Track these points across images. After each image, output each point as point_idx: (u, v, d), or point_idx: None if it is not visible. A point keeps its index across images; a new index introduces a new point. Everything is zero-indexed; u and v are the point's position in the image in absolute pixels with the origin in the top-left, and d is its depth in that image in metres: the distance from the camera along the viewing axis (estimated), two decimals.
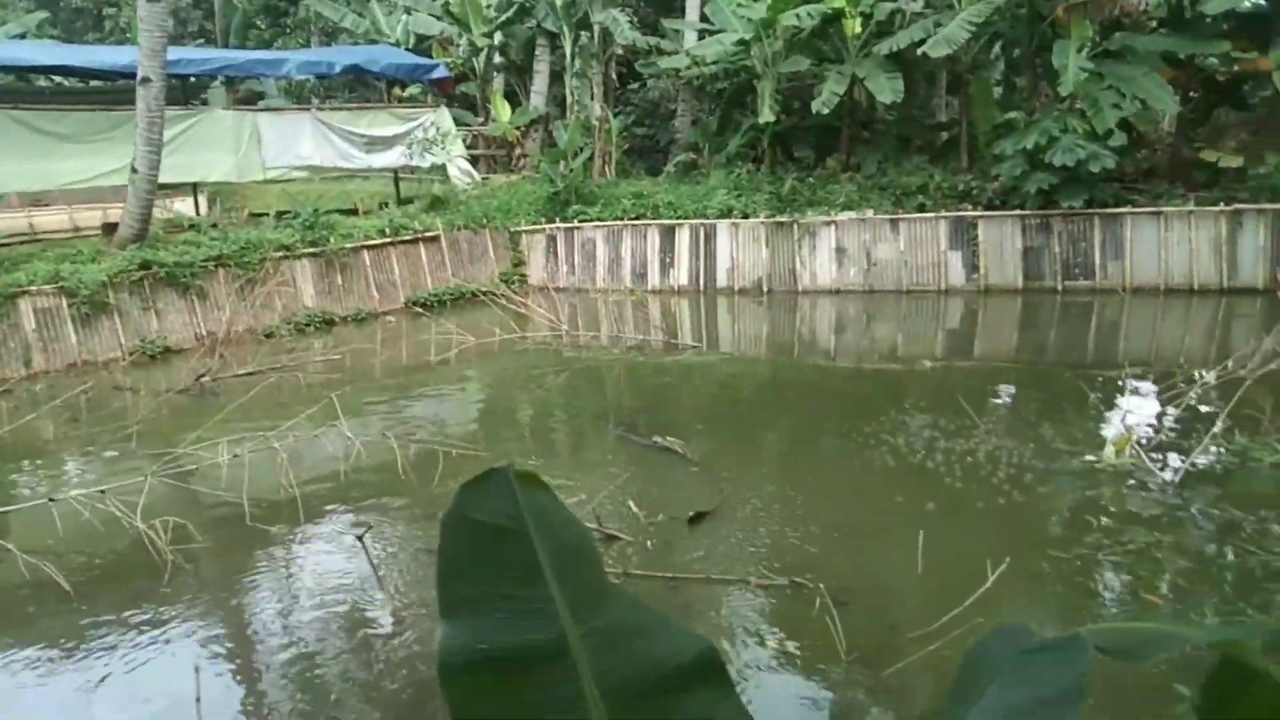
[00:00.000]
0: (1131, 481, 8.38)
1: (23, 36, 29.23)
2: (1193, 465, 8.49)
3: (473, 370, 13.94)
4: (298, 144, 19.90)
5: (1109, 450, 8.65)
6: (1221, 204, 16.47)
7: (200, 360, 14.15)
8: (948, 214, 17.84)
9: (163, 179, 18.05)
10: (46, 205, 20.19)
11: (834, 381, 13.32)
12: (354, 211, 20.73)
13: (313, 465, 9.49)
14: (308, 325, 17.26)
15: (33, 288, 14.65)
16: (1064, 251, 17.15)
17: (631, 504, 8.24)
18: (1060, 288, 17.19)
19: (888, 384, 13.00)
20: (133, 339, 15.46)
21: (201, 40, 35.39)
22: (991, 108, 19.65)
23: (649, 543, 7.54)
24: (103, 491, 8.02)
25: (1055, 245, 17.18)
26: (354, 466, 9.17)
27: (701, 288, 19.49)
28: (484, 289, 19.11)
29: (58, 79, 22.64)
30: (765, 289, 18.98)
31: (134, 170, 15.71)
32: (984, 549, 7.05)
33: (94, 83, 21.94)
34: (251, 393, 11.86)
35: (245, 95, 28.75)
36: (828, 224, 18.57)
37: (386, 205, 22.02)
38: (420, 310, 18.34)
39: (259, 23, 34.79)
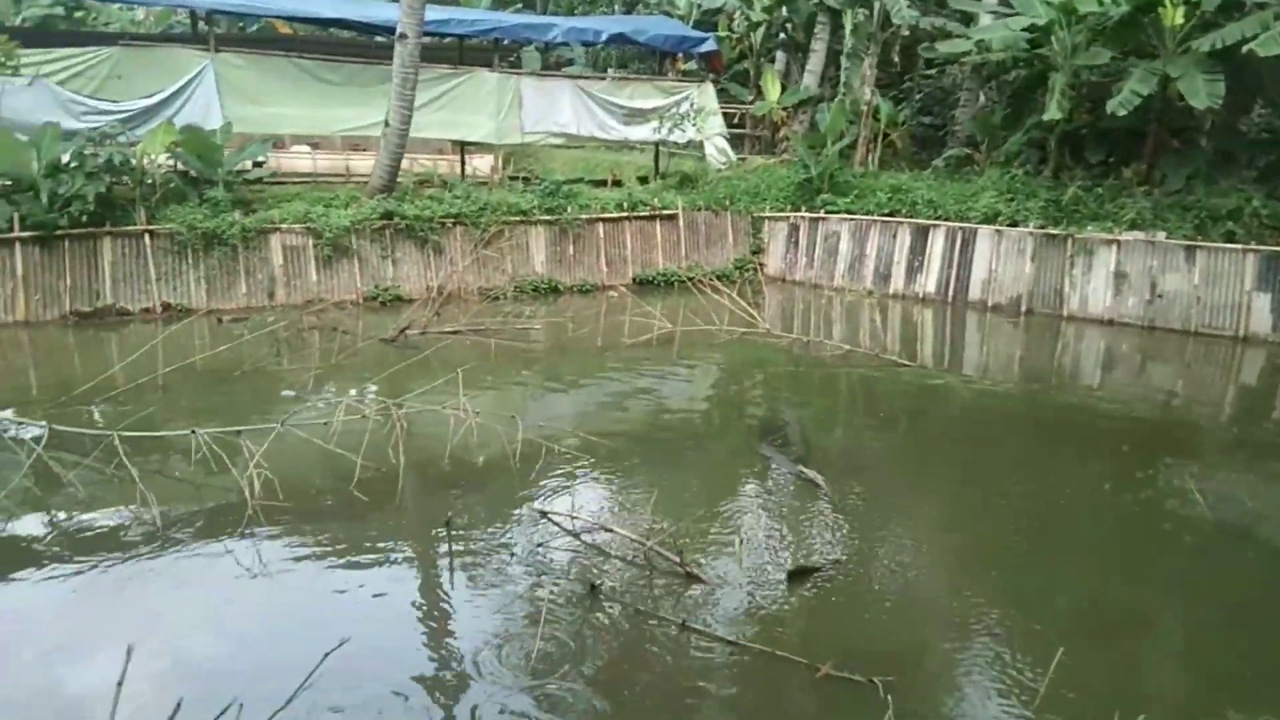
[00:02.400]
0: None
1: None
2: None
3: (652, 360, 13.17)
4: (556, 111, 20.06)
5: None
6: None
7: (418, 312, 14.49)
8: (1261, 248, 14.78)
9: (426, 135, 18.93)
10: (323, 149, 21.86)
11: (1074, 430, 11.22)
12: (613, 183, 20.71)
13: (427, 435, 9.22)
14: (534, 291, 17.40)
15: (284, 225, 15.73)
16: None
17: (737, 541, 7.25)
18: None
19: (1146, 441, 10.75)
20: (368, 284, 16.26)
21: (519, 5, 37.01)
22: None
23: (733, 591, 6.54)
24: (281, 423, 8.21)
25: None
26: (462, 445, 8.76)
27: (950, 298, 17.60)
28: (715, 273, 18.42)
29: (340, 31, 24.22)
30: (1023, 308, 16.79)
31: (386, 124, 16.42)
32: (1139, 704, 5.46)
33: (377, 39, 23.36)
34: (427, 351, 11.95)
35: (557, 62, 29.63)
36: (1109, 243, 16.04)
37: (647, 179, 21.87)
38: (646, 288, 17.98)
39: None
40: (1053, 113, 16.89)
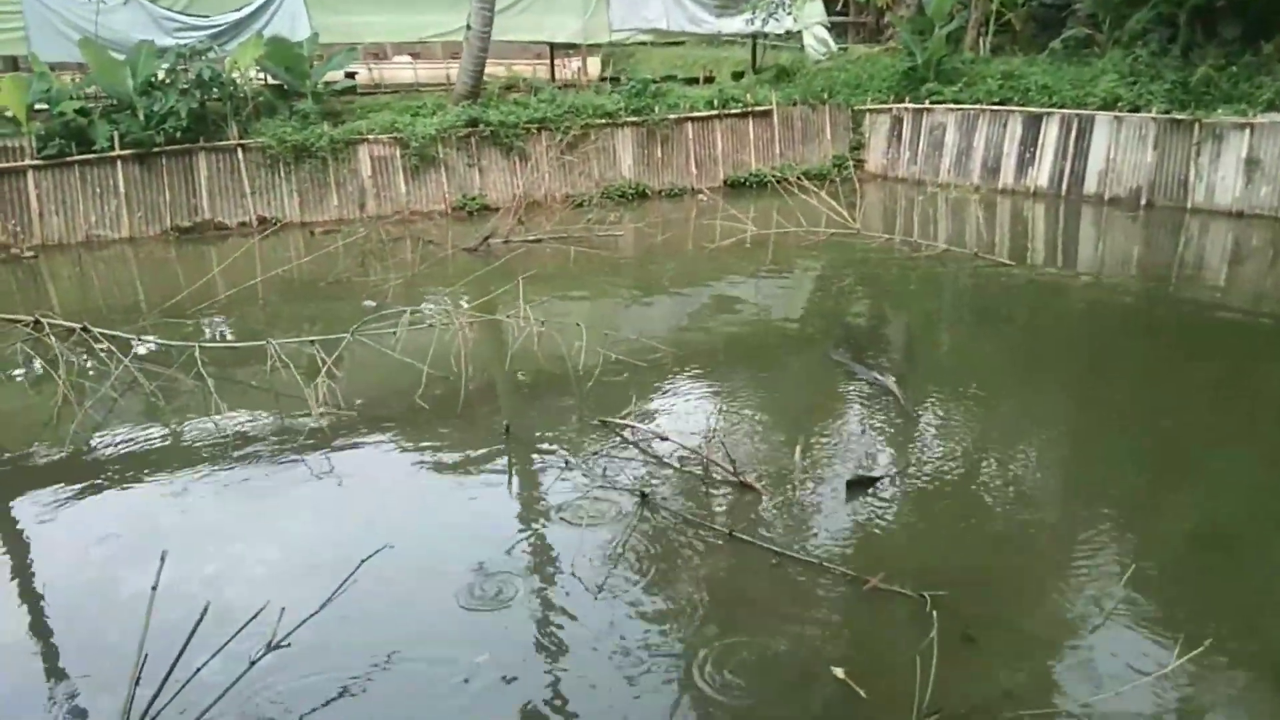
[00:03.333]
0: None
1: None
2: None
3: (733, 266, 12.75)
4: (645, 6, 19.41)
5: None
6: None
7: (502, 221, 14.43)
8: None
9: (510, 38, 18.66)
10: (421, 57, 21.76)
11: (1192, 332, 10.44)
12: (705, 80, 20.05)
13: (494, 344, 9.17)
14: (621, 196, 17.11)
15: (371, 136, 15.79)
16: None
17: (798, 450, 7.00)
18: None
19: (1273, 346, 9.93)
20: (455, 193, 16.27)
21: None
22: None
23: (787, 501, 6.33)
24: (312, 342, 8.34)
25: None
26: (529, 353, 8.68)
27: (1063, 192, 16.51)
28: (811, 172, 17.74)
29: None
30: (1144, 200, 15.60)
31: (468, 28, 16.15)
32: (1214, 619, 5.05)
33: None
34: (506, 259, 11.87)
35: None
36: (1241, 126, 14.65)
37: (742, 74, 21.11)
38: (737, 190, 17.46)
39: None
40: None
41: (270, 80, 16.49)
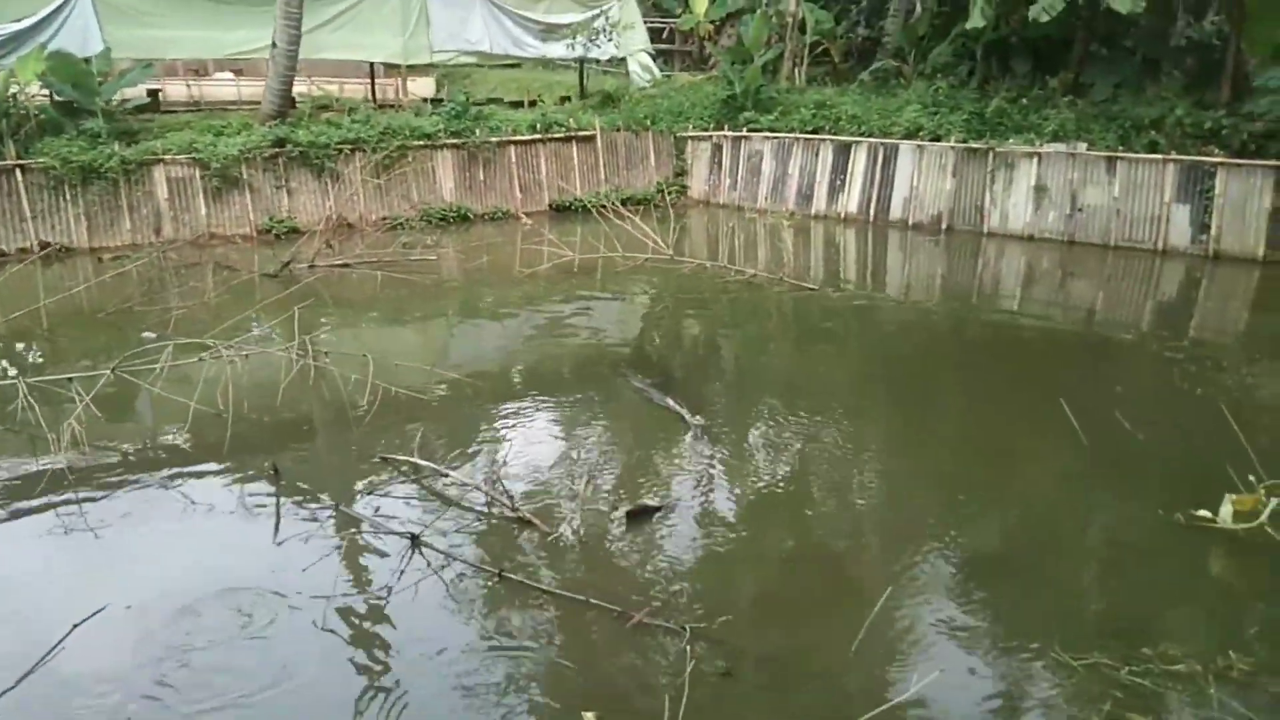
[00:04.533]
0: (1244, 559, 5.98)
1: None
2: None
3: (550, 290, 12.52)
4: (467, 27, 19.15)
5: (1225, 509, 6.20)
6: None
7: (308, 245, 13.78)
8: (1180, 158, 14.38)
9: (325, 56, 18.00)
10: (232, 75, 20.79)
11: (987, 350, 10.87)
12: (529, 104, 19.91)
13: (267, 378, 8.66)
14: (442, 220, 16.73)
15: (168, 156, 14.88)
16: None
17: (583, 482, 6.85)
18: None
19: (1062, 359, 10.39)
20: (261, 216, 15.50)
21: None
22: (1277, 24, 15.53)
23: (567, 535, 6.15)
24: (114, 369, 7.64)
25: None
26: (306, 386, 8.26)
27: (872, 217, 17.13)
28: (636, 197, 17.83)
29: None
30: (944, 226, 16.36)
31: (273, 45, 15.50)
32: (967, 630, 5.16)
33: None
34: (300, 285, 11.35)
35: None
36: (1029, 155, 15.58)
37: (569, 99, 21.08)
38: (563, 215, 17.35)
39: None
40: (976, 21, 16.26)
41: (58, 97, 15.32)
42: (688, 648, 4.79)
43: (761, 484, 7.01)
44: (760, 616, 5.41)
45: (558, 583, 5.59)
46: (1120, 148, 15.01)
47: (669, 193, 18.59)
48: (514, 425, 8.11)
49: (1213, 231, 14.13)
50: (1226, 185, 13.97)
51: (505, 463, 7.04)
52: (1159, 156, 14.55)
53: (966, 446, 7.94)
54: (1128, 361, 10.60)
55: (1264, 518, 6.16)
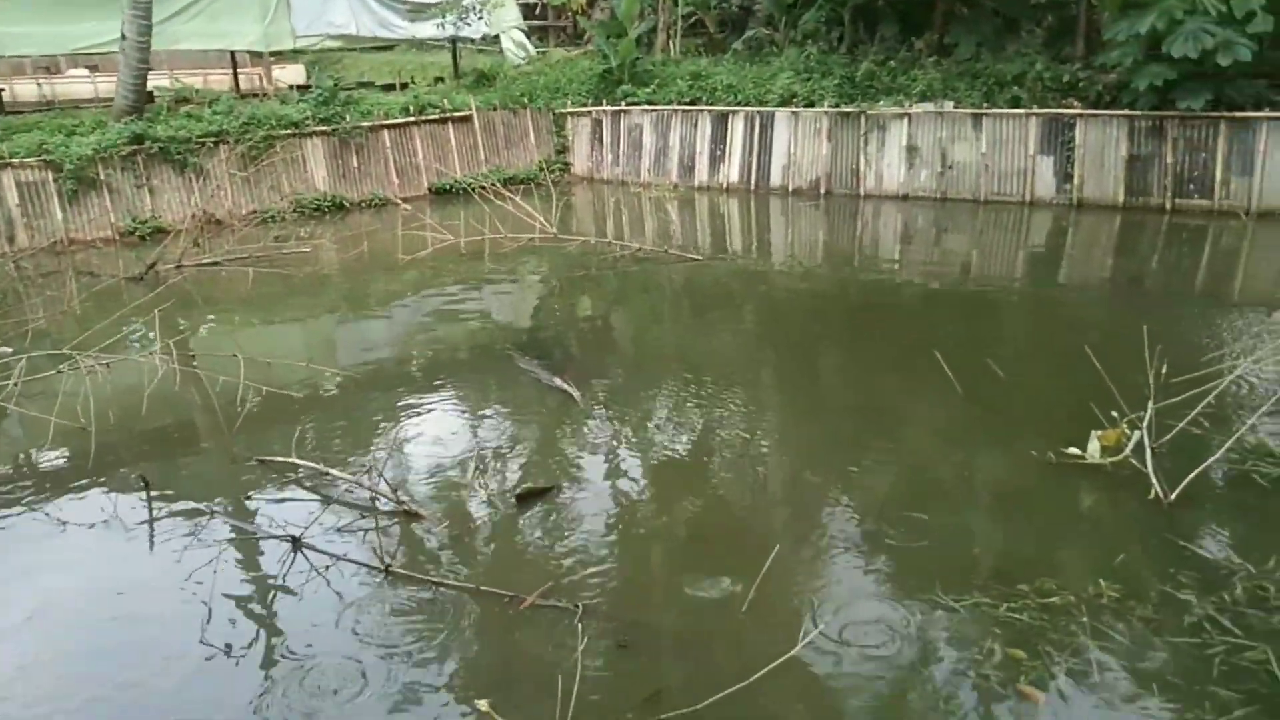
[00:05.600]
0: (1112, 492, 6.26)
1: None
2: (1210, 475, 6.28)
3: (425, 280, 12.21)
4: (330, 10, 18.55)
5: (1093, 445, 6.47)
6: None
7: (174, 245, 13.17)
8: (1040, 111, 14.92)
9: (183, 46, 17.22)
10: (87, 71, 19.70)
11: (877, 307, 11.11)
12: (401, 86, 19.40)
13: (129, 387, 8.26)
14: (316, 210, 16.21)
15: (15, 160, 14.01)
16: (1178, 162, 14.05)
17: (471, 468, 6.74)
18: (1169, 206, 14.17)
19: (941, 315, 10.74)
20: (124, 217, 14.75)
21: None
22: None
23: (456, 524, 6.04)
24: None
25: (1168, 155, 14.08)
26: (173, 393, 7.91)
27: (753, 186, 17.29)
28: (519, 177, 17.60)
29: None
30: (823, 190, 16.64)
31: (123, 37, 14.71)
32: (852, 585, 5.27)
33: None
34: (164, 287, 10.85)
35: None
36: (899, 117, 15.94)
37: (443, 80, 20.63)
38: (444, 198, 17.01)
39: None
40: None
41: None
42: (579, 625, 4.76)
43: (651, 457, 7.02)
44: (653, 587, 5.42)
45: (446, 573, 5.49)
46: (985, 105, 15.50)
47: (552, 170, 18.41)
48: (399, 417, 7.91)
49: (1075, 181, 14.72)
50: (1085, 136, 14.57)
51: (390, 456, 6.86)
52: (1022, 111, 15.07)
53: (848, 406, 8.09)
54: (1001, 310, 11.01)
55: (1128, 451, 6.47)
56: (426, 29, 19.57)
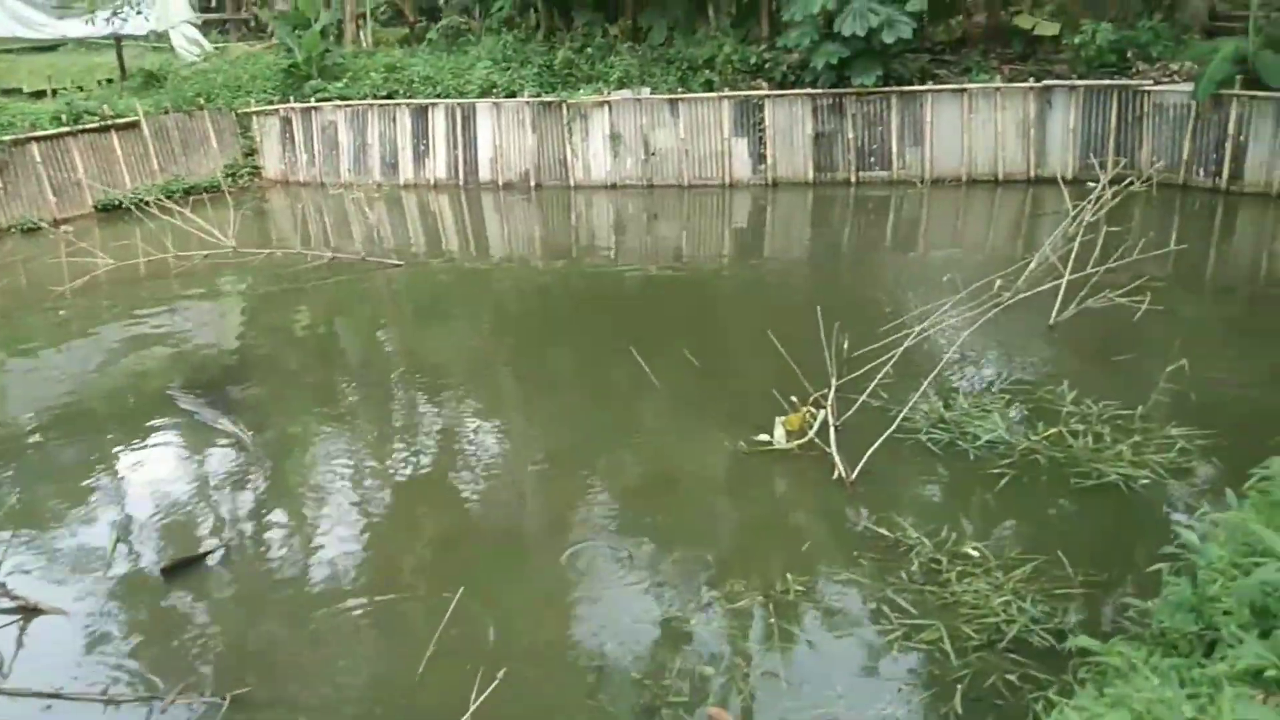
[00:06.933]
0: (799, 477, 6.32)
1: None
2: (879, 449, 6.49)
3: (80, 311, 10.73)
4: None
5: (778, 431, 6.53)
6: (1031, 79, 14.37)
7: None
8: (732, 94, 15.31)
9: None
10: None
11: (600, 299, 10.90)
12: (53, 92, 17.14)
13: None
14: None
15: None
16: (858, 137, 14.87)
17: (111, 538, 5.82)
18: (855, 180, 14.98)
19: (659, 300, 10.77)
20: None
21: None
22: None
23: (90, 614, 5.15)
24: None
25: (849, 130, 14.86)
26: None
27: (462, 181, 16.67)
28: (202, 185, 16.01)
29: None
30: (533, 182, 16.30)
31: None
32: (536, 617, 4.94)
33: None
34: None
35: None
36: (600, 105, 15.85)
37: (112, 81, 18.43)
38: (114, 216, 15.16)
39: None
40: None
41: None
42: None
43: (317, 508, 6.33)
44: (316, 664, 4.81)
45: (73, 678, 4.64)
46: (681, 89, 15.70)
47: (240, 176, 16.95)
48: (25, 489, 6.68)
49: (769, 160, 15.23)
50: (774, 116, 15.09)
51: (8, 542, 5.78)
52: (715, 95, 15.38)
53: (551, 409, 7.81)
54: (707, 291, 11.18)
55: (813, 433, 6.55)
56: (77, 26, 17.39)
